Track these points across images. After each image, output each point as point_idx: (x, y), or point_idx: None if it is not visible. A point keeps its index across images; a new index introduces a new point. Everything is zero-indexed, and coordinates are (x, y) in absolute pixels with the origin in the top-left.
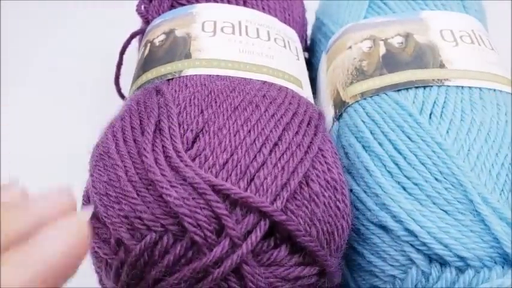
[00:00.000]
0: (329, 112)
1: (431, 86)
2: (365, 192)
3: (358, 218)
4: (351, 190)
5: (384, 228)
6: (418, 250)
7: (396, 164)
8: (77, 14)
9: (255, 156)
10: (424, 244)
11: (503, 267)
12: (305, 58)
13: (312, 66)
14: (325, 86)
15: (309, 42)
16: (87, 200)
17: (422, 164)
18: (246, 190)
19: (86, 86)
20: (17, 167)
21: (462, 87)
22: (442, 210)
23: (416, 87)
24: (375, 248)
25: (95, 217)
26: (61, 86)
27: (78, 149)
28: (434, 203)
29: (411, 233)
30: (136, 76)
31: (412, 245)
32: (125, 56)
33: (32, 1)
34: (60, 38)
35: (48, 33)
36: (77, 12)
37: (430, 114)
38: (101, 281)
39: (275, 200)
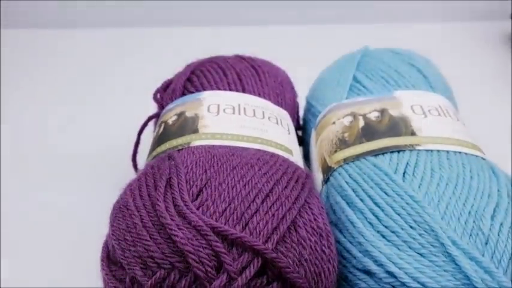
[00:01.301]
0: (319, 178)
1: (404, 150)
2: (350, 242)
3: (346, 266)
4: (338, 241)
5: (368, 272)
6: None
7: (376, 216)
8: (101, 101)
9: (249, 205)
10: (404, 284)
11: None
12: (299, 136)
13: (304, 141)
14: (315, 156)
15: (301, 122)
16: (106, 248)
17: (398, 214)
18: (241, 232)
19: (107, 164)
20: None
21: (431, 150)
22: (418, 253)
23: (391, 152)
24: None
25: (112, 261)
26: (80, 163)
27: (96, 219)
28: (410, 247)
29: (392, 274)
30: (152, 149)
31: (393, 286)
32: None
33: (61, 88)
34: (84, 123)
35: (74, 118)
36: (101, 99)
37: (404, 173)
38: None
39: (267, 241)
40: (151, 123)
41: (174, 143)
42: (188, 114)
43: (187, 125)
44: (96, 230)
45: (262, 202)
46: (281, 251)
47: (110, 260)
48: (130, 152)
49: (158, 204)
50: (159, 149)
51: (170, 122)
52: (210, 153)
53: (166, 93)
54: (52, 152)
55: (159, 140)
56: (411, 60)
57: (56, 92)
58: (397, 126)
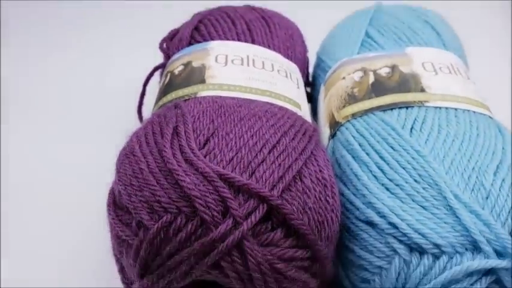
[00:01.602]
0: (325, 132)
1: (413, 106)
2: (354, 194)
3: (349, 218)
4: (341, 194)
5: (371, 223)
6: (400, 241)
7: (381, 169)
8: (106, 51)
9: (256, 155)
10: (405, 235)
11: (472, 253)
12: (307, 92)
13: (313, 98)
14: (322, 112)
15: (310, 78)
16: (112, 194)
17: (403, 168)
18: (248, 180)
19: (111, 115)
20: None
21: (440, 107)
22: (420, 206)
23: (400, 108)
24: (363, 243)
25: (119, 206)
26: (87, 115)
27: (101, 172)
28: (413, 200)
29: (393, 225)
30: (158, 99)
31: (394, 237)
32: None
33: (67, 34)
34: (90, 72)
35: (81, 65)
36: (106, 49)
37: (411, 129)
38: (121, 270)
39: (272, 189)
40: (157, 74)
41: (180, 93)
42: (195, 64)
43: (194, 75)
44: (103, 180)
45: (269, 152)
46: (286, 199)
47: (116, 205)
48: (136, 103)
49: (165, 151)
50: (165, 99)
51: (176, 72)
52: (217, 103)
53: (172, 43)
54: (58, 104)
55: (165, 90)
56: (425, 16)
57: (61, 44)
58: (407, 83)
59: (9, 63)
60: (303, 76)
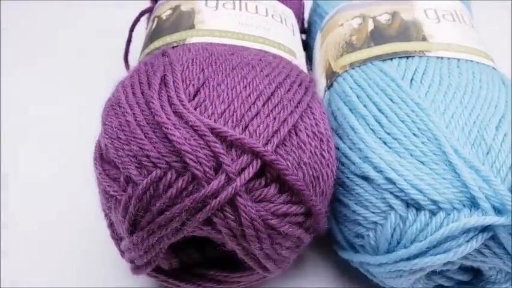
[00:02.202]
0: (321, 83)
1: (414, 56)
2: (350, 148)
3: (344, 172)
4: (337, 148)
5: (366, 178)
6: (396, 196)
7: (378, 122)
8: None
9: (250, 108)
10: (402, 190)
11: (470, 209)
12: (302, 40)
13: (308, 46)
14: (318, 61)
15: (306, 25)
16: (98, 147)
17: (401, 121)
18: (241, 134)
19: (97, 63)
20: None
21: (442, 57)
22: (418, 161)
23: (400, 57)
24: (359, 198)
25: (106, 160)
26: (72, 63)
27: (87, 121)
28: (411, 155)
29: (390, 181)
30: (145, 46)
31: (391, 192)
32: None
33: None
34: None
35: (64, 11)
36: None
37: (411, 80)
38: (110, 225)
39: (267, 144)
40: (144, 20)
41: (168, 39)
42: (184, 8)
43: (182, 20)
44: (90, 133)
45: (264, 105)
46: (280, 154)
47: (103, 159)
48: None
49: (152, 102)
50: (152, 46)
51: (164, 16)
52: (207, 51)
53: None
54: (44, 51)
55: (152, 36)
56: None
57: None
58: (408, 31)
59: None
60: (298, 22)
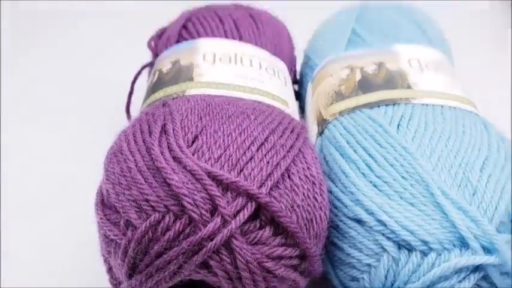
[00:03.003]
0: (313, 130)
1: (400, 103)
2: (342, 192)
3: (337, 215)
4: (330, 191)
5: (359, 221)
6: (388, 238)
7: (368, 166)
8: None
9: (245, 153)
10: (393, 232)
11: (460, 249)
12: (295, 90)
13: (301, 96)
14: (310, 110)
15: (298, 76)
16: (100, 193)
17: (390, 165)
18: (236, 177)
19: (99, 113)
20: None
21: (426, 104)
22: (408, 202)
23: (387, 105)
24: (352, 241)
25: (107, 206)
26: (73, 113)
27: (89, 170)
28: (401, 197)
29: (382, 223)
30: (146, 97)
31: (383, 234)
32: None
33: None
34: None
35: (69, 64)
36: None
37: (398, 126)
38: (109, 270)
39: (261, 186)
40: (145, 73)
41: (168, 91)
42: (183, 62)
43: (182, 74)
44: (92, 179)
45: (258, 150)
46: (274, 196)
47: (104, 204)
48: (125, 102)
49: (153, 149)
50: (153, 97)
51: (165, 70)
52: (205, 101)
53: (160, 41)
54: (48, 102)
55: (153, 88)
56: (411, 14)
57: (50, 43)
58: (394, 80)
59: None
60: (290, 74)
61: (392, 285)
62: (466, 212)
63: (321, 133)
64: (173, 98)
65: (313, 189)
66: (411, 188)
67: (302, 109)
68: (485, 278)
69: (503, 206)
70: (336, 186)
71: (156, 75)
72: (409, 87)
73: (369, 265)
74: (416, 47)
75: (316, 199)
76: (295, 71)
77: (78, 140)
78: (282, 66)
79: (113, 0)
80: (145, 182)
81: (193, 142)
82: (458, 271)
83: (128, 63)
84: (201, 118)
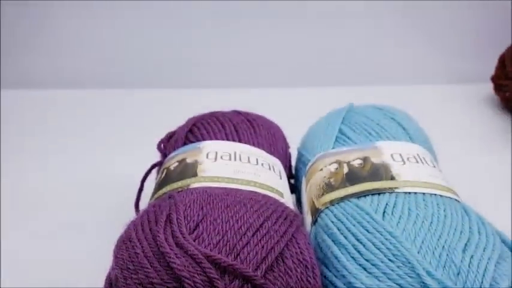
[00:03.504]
0: (308, 219)
1: (384, 192)
2: (335, 275)
3: None
4: (324, 276)
5: None
6: None
7: (358, 251)
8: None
9: (241, 238)
10: None
11: None
12: (291, 184)
13: (296, 189)
14: (305, 201)
15: (294, 171)
16: (108, 279)
17: (378, 248)
18: (233, 261)
19: (108, 209)
20: None
21: (409, 192)
22: (396, 283)
23: (373, 194)
24: None
25: None
26: (87, 210)
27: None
28: (389, 278)
29: None
30: (154, 192)
31: None
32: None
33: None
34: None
35: (83, 161)
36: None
37: (384, 213)
38: None
39: (256, 269)
40: (154, 172)
41: (174, 185)
42: (189, 160)
43: (187, 170)
44: (101, 269)
45: (253, 235)
46: (269, 279)
47: None
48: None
49: (158, 236)
50: (161, 192)
51: (172, 168)
52: (206, 193)
53: (169, 143)
54: (62, 201)
55: (161, 184)
56: (392, 114)
57: (61, 141)
58: (378, 172)
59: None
60: (285, 169)
61: None
62: None
63: (314, 222)
64: (178, 192)
65: (306, 273)
66: (398, 270)
67: (299, 200)
68: None
69: (487, 285)
70: (330, 271)
71: (164, 173)
72: (392, 178)
73: None
74: (397, 143)
75: (309, 282)
76: (290, 167)
77: (89, 235)
78: (277, 162)
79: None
80: (151, 266)
81: (194, 229)
82: None
83: (137, 163)
84: (202, 208)
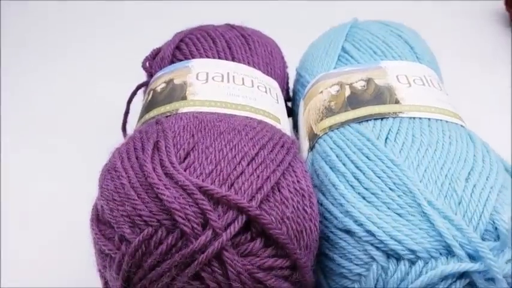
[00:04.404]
0: (305, 145)
1: (388, 117)
2: (332, 204)
3: (328, 227)
4: (320, 204)
5: (348, 232)
6: (377, 248)
7: (357, 179)
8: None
9: (235, 167)
10: (382, 242)
11: (447, 257)
12: (288, 107)
13: (293, 112)
14: (302, 125)
15: (291, 93)
16: (95, 209)
17: (378, 177)
18: (227, 192)
19: (95, 133)
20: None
21: (414, 118)
22: (395, 213)
23: (375, 119)
24: (342, 251)
25: (102, 221)
26: (71, 134)
27: (84, 192)
28: (388, 208)
29: (370, 233)
30: (140, 116)
31: (372, 244)
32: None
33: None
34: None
35: (66, 83)
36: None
37: (386, 139)
38: (105, 284)
39: (251, 200)
40: (141, 93)
41: (162, 109)
42: (176, 81)
43: (175, 93)
44: (87, 196)
45: (248, 164)
46: (265, 209)
47: (99, 220)
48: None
49: (145, 166)
50: (147, 116)
51: (158, 89)
52: (197, 119)
53: (155, 62)
54: (45, 122)
55: (147, 107)
56: (399, 31)
57: (46, 62)
58: (382, 95)
59: None
60: (283, 91)
61: None
62: (452, 221)
63: (312, 148)
64: (166, 116)
65: (303, 202)
66: (398, 199)
67: (295, 125)
68: (471, 284)
69: (487, 215)
70: (327, 199)
71: (151, 95)
72: (397, 102)
73: (359, 274)
74: (404, 63)
75: (305, 211)
76: (287, 89)
77: (75, 159)
78: (274, 84)
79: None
80: (138, 197)
81: (185, 158)
82: (444, 278)
83: (123, 83)
84: (193, 135)
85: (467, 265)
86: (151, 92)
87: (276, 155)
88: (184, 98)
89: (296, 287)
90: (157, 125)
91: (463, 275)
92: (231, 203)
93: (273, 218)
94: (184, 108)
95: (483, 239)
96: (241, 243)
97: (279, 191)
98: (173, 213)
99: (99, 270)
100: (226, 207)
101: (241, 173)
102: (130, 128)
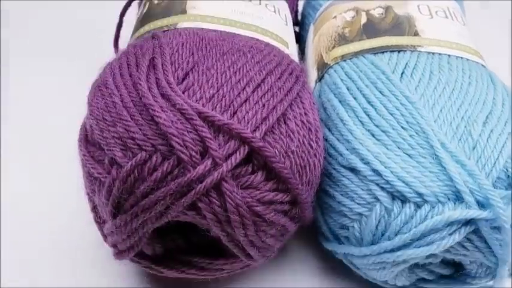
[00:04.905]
0: (313, 75)
1: (405, 50)
2: (338, 139)
3: (331, 163)
4: (325, 139)
5: (353, 170)
6: (382, 188)
7: (367, 115)
8: None
9: (239, 93)
10: (388, 182)
11: (454, 203)
12: (295, 32)
13: (301, 38)
14: (311, 53)
15: (300, 17)
16: (84, 129)
17: (390, 114)
18: (229, 120)
19: (85, 52)
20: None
21: (433, 53)
22: (406, 153)
23: (392, 51)
24: (345, 189)
25: (91, 142)
26: (61, 50)
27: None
28: (399, 148)
29: (377, 172)
30: (135, 30)
31: (377, 184)
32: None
33: None
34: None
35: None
36: None
37: (402, 74)
38: (93, 208)
39: (255, 130)
40: (135, 5)
41: (159, 23)
42: None
43: (174, 5)
44: (76, 115)
45: (253, 91)
46: (268, 141)
47: (88, 141)
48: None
49: (140, 84)
50: (143, 30)
51: (155, 1)
52: (198, 36)
53: None
54: (36, 36)
55: (143, 20)
56: None
57: None
58: (401, 26)
59: None
60: (291, 14)
61: (382, 235)
62: (464, 165)
63: (320, 78)
64: (164, 31)
65: (309, 136)
66: (410, 139)
67: (302, 52)
68: (476, 231)
69: (502, 162)
70: (332, 134)
71: (147, 6)
72: (416, 34)
73: (360, 214)
74: None
75: (311, 146)
76: (296, 11)
77: (65, 74)
78: (283, 5)
79: None
80: (132, 118)
81: (183, 79)
82: (450, 224)
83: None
84: (192, 53)
85: (475, 212)
86: (148, 3)
87: (283, 83)
88: (183, 11)
89: (294, 222)
90: (153, 39)
91: (469, 222)
92: (233, 133)
93: (277, 151)
94: (183, 23)
95: (495, 187)
96: (241, 175)
97: (285, 122)
98: (170, 139)
99: (87, 194)
100: (228, 136)
101: (245, 100)
102: (124, 44)
